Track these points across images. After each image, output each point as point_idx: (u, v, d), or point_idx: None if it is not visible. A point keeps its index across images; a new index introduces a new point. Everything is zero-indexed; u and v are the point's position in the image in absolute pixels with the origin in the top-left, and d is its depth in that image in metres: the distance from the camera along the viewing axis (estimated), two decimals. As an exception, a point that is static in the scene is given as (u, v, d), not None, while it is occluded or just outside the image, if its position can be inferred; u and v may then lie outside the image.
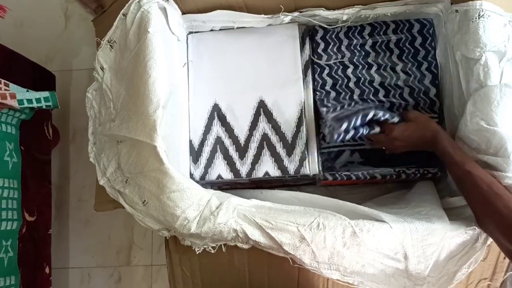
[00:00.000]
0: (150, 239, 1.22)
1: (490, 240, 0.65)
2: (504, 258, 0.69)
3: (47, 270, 1.08)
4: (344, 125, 0.75)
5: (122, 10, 0.74)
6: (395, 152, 0.81)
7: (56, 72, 1.21)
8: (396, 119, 0.77)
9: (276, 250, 0.67)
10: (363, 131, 0.77)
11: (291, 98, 0.87)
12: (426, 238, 0.65)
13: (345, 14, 0.85)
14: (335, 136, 0.76)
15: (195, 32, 0.93)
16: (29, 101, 0.93)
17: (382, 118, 0.76)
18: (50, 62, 1.34)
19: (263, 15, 0.86)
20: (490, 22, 0.70)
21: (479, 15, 0.71)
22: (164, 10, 0.78)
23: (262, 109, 0.88)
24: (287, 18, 0.85)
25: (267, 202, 0.71)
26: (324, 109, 0.85)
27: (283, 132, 0.86)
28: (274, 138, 0.86)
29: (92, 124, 0.78)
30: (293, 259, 0.67)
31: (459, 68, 0.77)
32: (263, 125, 0.87)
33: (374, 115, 0.76)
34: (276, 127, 0.87)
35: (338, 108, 0.85)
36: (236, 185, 0.97)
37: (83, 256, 1.24)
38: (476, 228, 0.66)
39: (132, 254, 1.23)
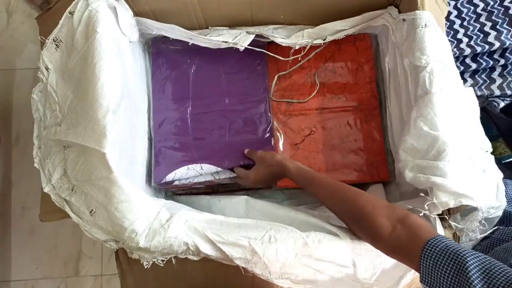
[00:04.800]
0: (100, 248, 1.17)
1: None
2: None
3: (-15, 284, 1.01)
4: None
5: (69, 8, 0.71)
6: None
7: (-3, 71, 1.13)
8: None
9: (228, 261, 0.65)
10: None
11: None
12: (375, 250, 0.64)
13: (297, 44, 0.88)
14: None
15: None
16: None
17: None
18: (-10, 60, 1.26)
19: (219, 38, 0.85)
20: (433, 33, 0.74)
21: (425, 24, 0.74)
22: (114, 10, 0.75)
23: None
24: (245, 42, 0.86)
25: (220, 216, 0.69)
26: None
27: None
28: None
29: (37, 127, 0.73)
30: (245, 269, 0.66)
31: (407, 75, 0.79)
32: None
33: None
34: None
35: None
36: (192, 190, 0.95)
37: (27, 268, 1.16)
38: None
39: (80, 264, 1.17)
